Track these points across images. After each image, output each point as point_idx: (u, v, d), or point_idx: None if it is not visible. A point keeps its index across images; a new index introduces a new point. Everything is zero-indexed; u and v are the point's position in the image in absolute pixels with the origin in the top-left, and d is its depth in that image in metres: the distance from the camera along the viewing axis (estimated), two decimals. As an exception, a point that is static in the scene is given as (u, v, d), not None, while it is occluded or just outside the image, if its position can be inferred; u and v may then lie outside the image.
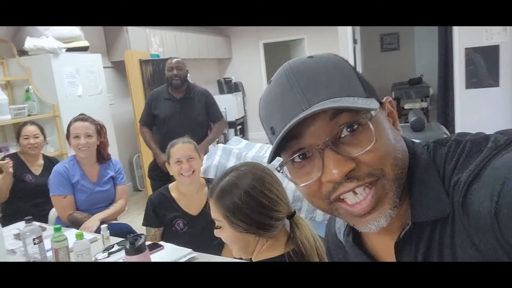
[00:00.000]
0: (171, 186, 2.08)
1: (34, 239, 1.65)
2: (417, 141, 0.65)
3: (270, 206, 1.02)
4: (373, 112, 0.55)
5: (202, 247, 1.78)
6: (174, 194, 2.04)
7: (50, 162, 2.94)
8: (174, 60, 3.23)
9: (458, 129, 4.78)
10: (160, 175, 3.21)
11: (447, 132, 3.89)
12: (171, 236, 1.96)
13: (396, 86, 8.36)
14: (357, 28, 6.47)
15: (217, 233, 1.10)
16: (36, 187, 2.79)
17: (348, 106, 0.52)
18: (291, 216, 1.08)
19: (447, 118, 4.95)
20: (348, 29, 5.45)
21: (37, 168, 2.89)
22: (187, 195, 2.02)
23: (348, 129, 0.55)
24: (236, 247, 1.08)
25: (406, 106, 7.68)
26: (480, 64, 4.63)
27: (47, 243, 1.72)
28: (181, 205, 2.01)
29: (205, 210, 1.98)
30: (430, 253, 0.58)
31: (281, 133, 0.55)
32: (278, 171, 0.61)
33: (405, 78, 8.56)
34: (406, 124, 4.27)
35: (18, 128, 2.91)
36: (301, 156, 0.57)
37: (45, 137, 2.95)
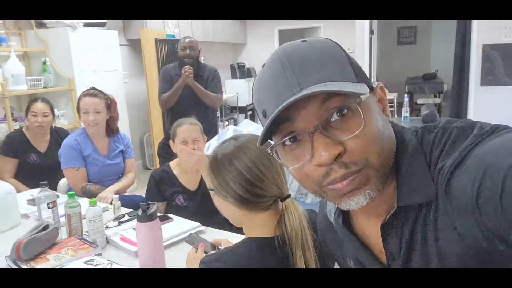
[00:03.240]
0: (172, 163, 2.14)
1: (48, 204, 1.70)
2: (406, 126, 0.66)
3: (254, 183, 1.01)
4: (363, 97, 0.56)
5: (203, 221, 1.82)
6: (175, 171, 2.10)
7: (57, 136, 2.90)
8: (187, 40, 3.24)
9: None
10: (168, 154, 3.25)
11: (459, 128, 3.86)
12: (173, 210, 2.01)
13: (410, 80, 8.29)
14: (375, 19, 6.40)
15: (211, 194, 1.13)
16: (41, 167, 2.75)
17: (338, 90, 0.53)
18: (284, 199, 1.06)
19: (459, 114, 4.91)
20: (366, 20, 5.40)
21: (43, 145, 2.83)
22: (188, 172, 2.07)
23: (338, 114, 0.56)
24: (224, 213, 1.11)
25: (419, 101, 7.61)
26: (497, 61, 4.58)
27: (60, 210, 1.78)
28: (181, 181, 2.08)
29: (202, 184, 2.04)
30: (415, 236, 0.60)
31: (271, 116, 0.55)
32: (269, 154, 0.62)
33: (419, 72, 8.47)
34: (418, 118, 4.25)
35: (28, 103, 2.83)
36: (291, 139, 0.58)
37: (54, 115, 2.87)
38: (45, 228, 1.58)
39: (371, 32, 5.96)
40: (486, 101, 4.64)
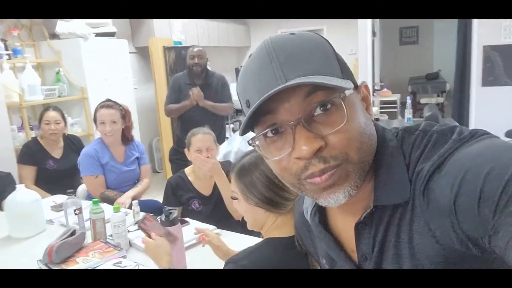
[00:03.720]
0: (187, 169, 2.28)
1: (75, 210, 1.83)
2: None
3: (281, 186, 1.15)
4: (347, 93, 0.56)
5: (217, 224, 1.95)
6: (190, 177, 2.23)
7: (70, 142, 3.06)
8: (195, 49, 3.39)
9: (472, 126, 4.84)
10: (180, 159, 3.40)
11: (460, 129, 3.96)
12: (189, 214, 2.14)
13: (413, 80, 8.39)
14: (377, 20, 6.51)
15: (234, 204, 1.26)
16: (59, 172, 2.91)
17: (322, 83, 0.54)
18: None
19: (462, 115, 5.01)
20: (368, 21, 5.50)
21: (57, 151, 2.98)
22: (202, 178, 2.20)
23: (321, 108, 0.56)
24: (248, 218, 1.23)
25: (422, 101, 7.71)
26: (497, 62, 4.67)
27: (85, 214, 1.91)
28: (196, 187, 2.22)
29: (215, 190, 2.16)
30: (388, 236, 0.61)
31: (254, 106, 0.55)
32: (250, 145, 0.62)
33: (422, 72, 8.57)
34: (421, 118, 4.36)
35: (40, 113, 2.98)
36: (273, 131, 0.58)
37: (66, 123, 3.01)
38: (73, 233, 1.71)
39: (373, 34, 6.07)
40: (487, 101, 4.74)
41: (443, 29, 8.74)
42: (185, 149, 2.20)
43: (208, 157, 2.08)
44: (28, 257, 1.72)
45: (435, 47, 9.13)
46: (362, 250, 0.65)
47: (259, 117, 0.58)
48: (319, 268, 1.15)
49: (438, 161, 0.55)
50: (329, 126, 0.56)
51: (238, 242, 1.60)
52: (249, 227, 1.26)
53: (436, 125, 0.61)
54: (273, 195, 1.16)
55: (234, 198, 1.23)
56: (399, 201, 0.59)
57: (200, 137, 2.14)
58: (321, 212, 0.72)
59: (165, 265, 1.35)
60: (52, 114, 2.90)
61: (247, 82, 0.60)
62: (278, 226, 1.18)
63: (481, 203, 0.47)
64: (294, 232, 1.16)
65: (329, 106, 0.56)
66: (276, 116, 0.57)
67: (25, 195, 1.96)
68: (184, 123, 3.38)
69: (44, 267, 1.61)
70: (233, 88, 6.94)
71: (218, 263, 1.49)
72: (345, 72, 0.60)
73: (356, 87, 0.61)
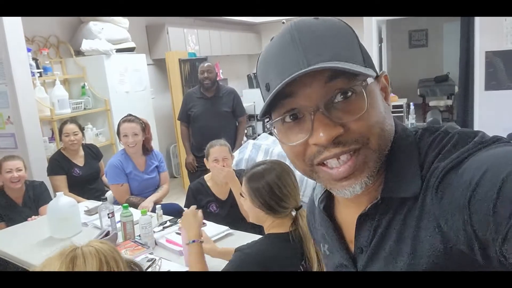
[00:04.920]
0: (206, 176, 2.56)
1: (108, 214, 2.12)
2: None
3: (281, 197, 1.42)
4: (369, 80, 0.56)
5: (231, 225, 2.21)
6: (209, 183, 2.51)
7: (89, 150, 3.38)
8: (205, 65, 3.71)
9: (476, 129, 4.99)
10: (196, 167, 3.71)
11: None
12: (206, 217, 2.41)
13: (422, 82, 8.51)
14: (383, 26, 6.70)
15: (241, 199, 1.53)
16: (84, 177, 3.23)
17: (346, 68, 0.53)
18: (298, 208, 1.48)
19: (466, 118, 5.18)
20: (374, 27, 5.70)
21: (80, 160, 3.28)
22: (219, 184, 2.47)
23: (342, 96, 0.55)
24: (251, 214, 1.51)
25: (431, 103, 7.82)
26: (500, 67, 4.84)
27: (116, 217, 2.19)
28: (214, 192, 2.49)
29: (231, 195, 2.44)
30: (390, 231, 0.60)
31: (275, 90, 0.55)
32: (267, 128, 0.71)
33: (432, 75, 8.67)
34: (424, 124, 4.55)
35: (60, 126, 3.25)
36: (291, 117, 0.58)
37: (83, 134, 3.33)
38: (107, 234, 1.99)
39: (380, 41, 6.27)
40: (491, 104, 4.90)
41: (453, 32, 8.81)
42: (204, 159, 2.48)
43: (223, 166, 2.35)
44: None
45: (445, 50, 9.24)
46: (359, 242, 0.65)
47: (278, 101, 0.57)
48: (314, 259, 1.42)
49: (456, 160, 0.53)
50: (349, 113, 0.55)
51: (250, 241, 1.86)
52: (250, 220, 1.54)
53: (459, 128, 0.61)
54: (274, 203, 1.43)
55: (242, 195, 1.51)
56: (408, 194, 0.58)
57: (217, 148, 2.42)
58: (327, 200, 0.73)
59: (192, 236, 1.62)
60: (70, 127, 3.21)
61: (268, 65, 0.60)
62: (276, 225, 1.45)
63: (498, 203, 0.45)
64: (289, 229, 1.42)
65: (349, 94, 0.55)
66: (295, 101, 0.56)
67: (64, 201, 2.25)
68: (198, 130, 3.69)
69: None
70: (245, 94, 7.17)
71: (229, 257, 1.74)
72: (367, 61, 0.60)
73: (376, 76, 0.61)
